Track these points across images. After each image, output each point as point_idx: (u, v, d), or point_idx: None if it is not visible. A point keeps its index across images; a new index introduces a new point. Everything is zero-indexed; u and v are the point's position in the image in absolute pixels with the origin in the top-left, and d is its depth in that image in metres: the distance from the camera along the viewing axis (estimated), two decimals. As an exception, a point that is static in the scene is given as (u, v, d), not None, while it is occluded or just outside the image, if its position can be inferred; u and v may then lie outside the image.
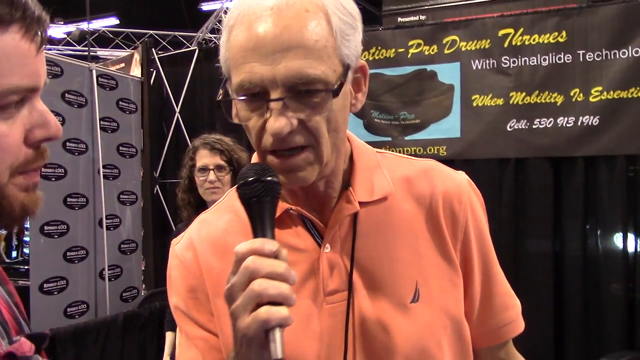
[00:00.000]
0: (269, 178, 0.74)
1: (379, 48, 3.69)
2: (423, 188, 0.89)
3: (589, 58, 3.26)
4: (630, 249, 3.16)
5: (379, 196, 0.87)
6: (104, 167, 3.93)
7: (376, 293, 0.84)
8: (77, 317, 3.70)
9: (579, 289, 3.24)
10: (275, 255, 0.69)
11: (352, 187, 0.86)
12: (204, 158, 2.45)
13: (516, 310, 0.97)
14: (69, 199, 3.70)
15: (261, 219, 0.72)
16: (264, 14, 0.75)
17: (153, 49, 4.65)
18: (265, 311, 0.66)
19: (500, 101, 3.41)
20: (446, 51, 3.55)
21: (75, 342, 3.26)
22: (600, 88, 3.23)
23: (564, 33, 3.33)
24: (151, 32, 5.52)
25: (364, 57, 3.69)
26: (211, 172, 2.42)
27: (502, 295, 0.96)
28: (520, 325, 0.96)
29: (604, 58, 3.24)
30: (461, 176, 0.94)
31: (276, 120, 0.75)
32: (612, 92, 3.20)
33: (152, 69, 4.51)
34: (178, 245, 0.92)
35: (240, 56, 0.76)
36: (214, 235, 0.89)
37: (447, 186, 0.90)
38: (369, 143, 0.97)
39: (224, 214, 0.91)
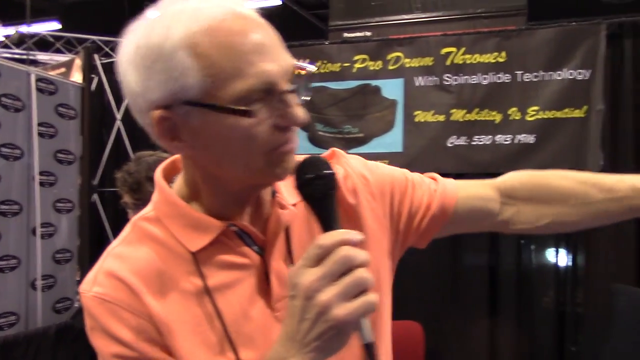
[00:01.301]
0: (327, 171, 0.75)
1: (325, 62, 3.72)
2: None
3: (526, 78, 3.38)
4: (562, 263, 3.28)
5: (299, 197, 0.87)
6: (40, 173, 3.81)
7: None
8: (5, 329, 3.56)
9: (513, 301, 3.33)
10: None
11: (279, 193, 0.86)
12: None
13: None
14: (1, 206, 3.57)
15: (330, 213, 0.73)
16: (243, 17, 0.74)
17: (95, 55, 4.56)
18: (373, 295, 0.68)
19: (441, 117, 3.49)
20: (390, 67, 3.62)
21: (4, 355, 3.14)
22: (536, 107, 3.35)
23: (503, 54, 3.44)
24: (94, 37, 5.41)
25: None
26: None
27: (426, 181, 0.98)
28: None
29: (541, 79, 3.37)
30: (336, 152, 0.96)
31: (298, 109, 0.75)
32: (547, 112, 3.33)
33: (93, 75, 4.42)
34: (98, 289, 0.80)
35: (245, 61, 0.71)
36: (141, 266, 0.80)
37: (340, 171, 0.92)
38: None
39: (141, 244, 0.83)
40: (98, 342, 0.80)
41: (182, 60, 0.71)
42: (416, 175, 0.98)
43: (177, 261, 0.81)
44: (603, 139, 3.24)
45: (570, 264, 3.32)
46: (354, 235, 0.70)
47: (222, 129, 0.73)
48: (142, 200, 2.09)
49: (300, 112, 0.75)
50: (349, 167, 0.92)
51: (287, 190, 0.87)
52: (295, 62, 0.76)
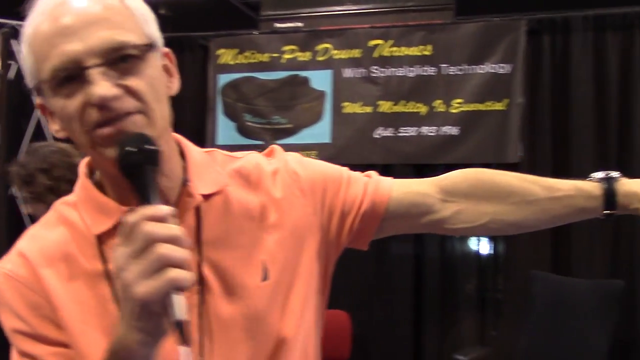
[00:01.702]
0: (149, 147, 0.73)
1: (253, 52, 3.70)
2: (252, 176, 0.91)
3: (451, 72, 3.46)
4: (484, 251, 3.39)
5: (216, 188, 0.88)
6: (-47, 163, 3.64)
7: (227, 281, 0.85)
8: None
9: (437, 289, 3.41)
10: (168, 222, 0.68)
11: (189, 182, 0.86)
12: None
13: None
14: None
15: (145, 188, 0.71)
16: (62, 3, 0.77)
17: (13, 40, 4.36)
18: (175, 271, 0.66)
19: (368, 109, 3.53)
20: (319, 58, 3.63)
21: None
22: (460, 100, 3.44)
23: (429, 47, 3.51)
24: (11, 22, 5.19)
25: (238, 60, 3.69)
26: None
27: (362, 180, 0.96)
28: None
29: (464, 72, 3.46)
30: (274, 149, 0.96)
31: (98, 85, 0.74)
32: (470, 104, 3.42)
33: (12, 62, 4.23)
34: (7, 266, 0.85)
35: (47, 44, 0.76)
36: (49, 247, 0.84)
37: (270, 166, 0.92)
38: (242, 147, 0.99)
39: (56, 227, 0.86)
40: (2, 317, 0.84)
41: (25, 49, 0.79)
42: (354, 174, 0.96)
43: (84, 244, 0.82)
44: (522, 131, 3.36)
45: (491, 252, 3.44)
46: (158, 210, 0.68)
47: (55, 110, 0.78)
48: (35, 193, 1.93)
49: (99, 89, 0.73)
50: (281, 162, 0.92)
51: (205, 179, 0.87)
52: (117, 37, 0.75)
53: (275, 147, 0.96)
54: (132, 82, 0.76)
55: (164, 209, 0.69)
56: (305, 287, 0.90)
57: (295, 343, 0.88)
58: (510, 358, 3.19)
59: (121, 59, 0.76)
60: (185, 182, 0.86)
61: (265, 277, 0.86)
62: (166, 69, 0.85)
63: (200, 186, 0.86)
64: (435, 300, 3.42)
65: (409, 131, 3.48)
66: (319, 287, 0.93)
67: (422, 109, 3.48)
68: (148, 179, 0.72)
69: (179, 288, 0.67)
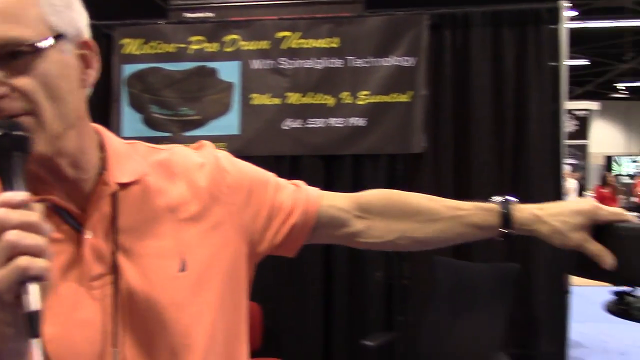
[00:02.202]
0: (18, 132, 0.71)
1: (159, 42, 3.63)
2: (176, 168, 0.91)
3: (357, 64, 3.53)
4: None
5: (135, 177, 0.87)
6: None
7: (143, 271, 0.84)
8: None
9: (346, 278, 3.48)
10: (27, 208, 0.66)
11: (107, 171, 0.85)
12: None
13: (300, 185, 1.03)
14: None
15: (9, 174, 0.69)
16: None
17: None
18: (24, 259, 0.63)
19: (277, 100, 3.55)
20: (227, 49, 3.61)
21: None
22: (367, 92, 3.51)
23: (337, 39, 3.56)
24: None
25: (144, 50, 3.60)
26: None
27: (290, 187, 1.00)
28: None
29: (371, 64, 3.53)
30: (203, 143, 0.98)
31: None
32: (376, 96, 3.50)
33: None
34: None
35: None
36: None
37: (198, 160, 0.93)
38: (149, 139, 0.98)
39: None
40: None
41: None
42: (282, 181, 1.00)
43: None
44: (426, 122, 3.47)
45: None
46: (14, 195, 0.67)
47: None
48: None
49: None
50: (210, 157, 0.93)
51: (124, 168, 0.87)
52: (7, 33, 0.73)
53: (205, 142, 0.97)
54: (20, 81, 0.74)
55: (20, 195, 0.67)
56: (223, 282, 0.90)
57: (213, 336, 0.88)
58: (416, 341, 3.30)
59: (11, 56, 0.73)
60: (101, 172, 0.85)
61: (182, 268, 0.86)
62: (84, 59, 0.83)
63: (118, 175, 0.86)
64: (344, 289, 3.49)
65: (317, 122, 3.52)
66: (239, 284, 0.94)
67: (330, 100, 3.53)
68: (13, 164, 0.70)
69: (33, 277, 0.65)
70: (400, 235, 1.00)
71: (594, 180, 13.64)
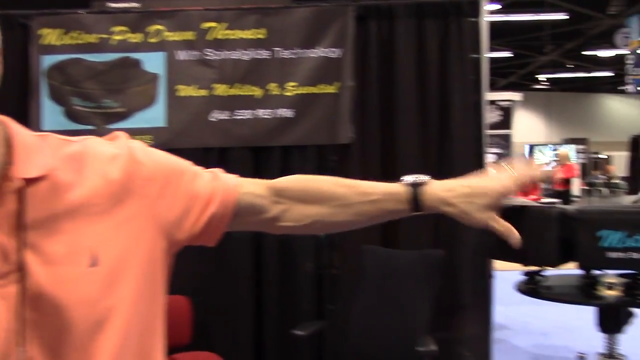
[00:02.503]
0: None
1: (80, 32, 3.52)
2: (88, 160, 0.89)
3: (284, 55, 3.53)
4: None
5: (43, 171, 0.84)
6: None
7: (51, 268, 0.82)
8: None
9: (276, 268, 3.49)
10: None
11: (12, 166, 0.82)
12: None
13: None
14: None
15: None
16: None
17: None
18: None
19: (204, 92, 3.51)
20: (151, 40, 3.54)
21: None
22: (295, 83, 3.52)
23: (263, 30, 3.54)
24: None
25: (64, 40, 3.48)
26: None
27: (207, 176, 1.00)
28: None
29: (298, 56, 3.54)
30: (117, 134, 0.96)
31: None
32: (304, 87, 3.51)
33: None
34: None
35: None
36: None
37: (111, 151, 0.91)
38: (71, 132, 0.95)
39: None
40: None
41: None
42: (198, 170, 1.00)
43: None
44: (353, 113, 3.51)
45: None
46: None
47: None
48: None
49: None
50: (124, 148, 0.91)
51: (32, 163, 0.84)
52: None
53: (119, 133, 0.95)
54: None
55: None
56: (138, 276, 0.89)
57: (127, 332, 0.87)
58: (346, 328, 3.35)
59: None
60: (4, 166, 0.82)
61: (93, 264, 0.84)
62: None
63: (24, 170, 0.83)
64: (275, 280, 3.50)
65: (245, 114, 3.51)
66: (156, 277, 0.93)
67: (257, 92, 3.52)
68: None
69: None
70: (316, 220, 1.04)
71: (517, 168, 14.11)
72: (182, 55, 3.52)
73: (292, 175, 1.08)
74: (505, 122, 14.84)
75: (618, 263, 0.94)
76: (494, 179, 1.02)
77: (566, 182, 13.50)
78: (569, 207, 0.96)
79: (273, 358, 3.49)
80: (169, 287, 3.31)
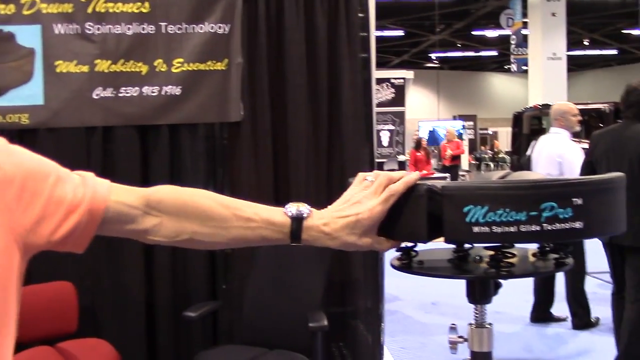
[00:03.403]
0: None
1: (-57, 2, 3.25)
2: None
3: (170, 30, 3.41)
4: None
5: None
6: None
7: None
8: None
9: (167, 249, 3.40)
10: None
11: None
12: None
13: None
14: None
15: None
16: None
17: None
18: None
19: (85, 68, 3.34)
20: (25, 12, 3.31)
21: None
22: (181, 60, 3.42)
23: (147, 4, 3.40)
24: None
25: None
26: None
27: (76, 180, 0.94)
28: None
29: (184, 31, 3.43)
30: None
31: None
32: (191, 64, 3.42)
33: None
34: None
35: None
36: None
37: None
38: None
39: None
40: None
41: None
42: (65, 173, 0.93)
43: None
44: (243, 90, 3.47)
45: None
46: None
47: None
48: None
49: None
50: None
51: None
52: None
53: None
54: None
55: None
56: None
57: None
58: (239, 308, 3.34)
59: None
60: None
61: None
62: None
63: None
64: (166, 261, 3.42)
65: (130, 91, 3.37)
66: (8, 282, 0.86)
67: (143, 68, 3.39)
68: None
69: None
70: (190, 238, 1.00)
71: (409, 145, 14.60)
72: (59, 28, 3.32)
73: (170, 187, 1.03)
74: (398, 99, 15.25)
75: (483, 237, 0.98)
76: (366, 202, 1.02)
77: (455, 157, 14.08)
78: (436, 184, 0.99)
79: (165, 341, 3.42)
80: (54, 273, 3.19)
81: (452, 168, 14.06)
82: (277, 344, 3.10)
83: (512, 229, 0.97)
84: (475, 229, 0.97)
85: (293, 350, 3.02)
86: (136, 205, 0.98)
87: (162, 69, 3.40)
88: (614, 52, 26.18)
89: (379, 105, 16.28)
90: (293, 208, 1.02)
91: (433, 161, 15.44)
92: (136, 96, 3.37)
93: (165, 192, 1.02)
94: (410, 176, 1.03)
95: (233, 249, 3.52)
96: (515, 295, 5.27)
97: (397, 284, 5.75)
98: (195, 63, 3.42)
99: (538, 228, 0.97)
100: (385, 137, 15.65)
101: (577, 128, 4.95)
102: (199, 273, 3.48)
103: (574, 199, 0.99)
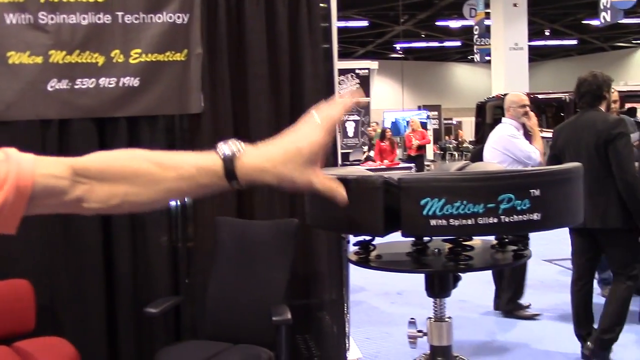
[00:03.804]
0: None
1: None
2: None
3: (127, 20, 3.33)
4: (172, 203, 3.39)
5: None
6: None
7: None
8: None
9: (128, 245, 3.34)
10: None
11: None
12: None
13: None
14: None
15: None
16: None
17: None
18: None
19: (39, 59, 3.23)
20: (-25, 1, 3.19)
21: None
22: (139, 50, 3.33)
23: (103, -7, 3.31)
24: None
25: None
26: None
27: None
28: None
29: (142, 21, 3.35)
30: None
31: None
32: (150, 55, 3.34)
33: None
34: None
35: None
36: None
37: None
38: None
39: None
40: None
41: None
42: None
43: None
44: (203, 81, 3.40)
45: (179, 203, 3.46)
46: None
47: None
48: None
49: None
50: None
51: None
52: None
53: None
54: None
55: None
56: None
57: None
58: (203, 302, 3.29)
59: None
60: None
61: None
62: None
63: None
64: (126, 257, 3.35)
65: (86, 83, 3.28)
66: None
67: (99, 59, 3.30)
68: None
69: None
70: (124, 200, 0.95)
71: (377, 135, 14.65)
72: (11, 18, 3.21)
73: (96, 153, 0.98)
74: (363, 90, 15.29)
75: (440, 230, 0.96)
76: (303, 133, 0.96)
77: (420, 147, 14.17)
78: (393, 176, 0.96)
79: (127, 338, 3.35)
80: (9, 271, 3.06)
81: (418, 158, 14.15)
82: (241, 338, 3.06)
83: (469, 222, 0.95)
84: (433, 222, 0.95)
85: (257, 345, 2.99)
86: (64, 175, 0.93)
87: (120, 60, 3.31)
88: (574, 42, 26.62)
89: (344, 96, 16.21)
90: (225, 147, 0.95)
91: (398, 151, 15.52)
92: (93, 88, 3.28)
93: (91, 158, 0.97)
94: (345, 101, 0.99)
95: (195, 243, 3.47)
96: (479, 283, 5.33)
97: (363, 275, 5.75)
98: (153, 54, 3.34)
99: (496, 220, 0.96)
100: (350, 128, 15.67)
101: (523, 120, 4.88)
102: (160, 268, 3.41)
103: (532, 190, 0.98)
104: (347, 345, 3.85)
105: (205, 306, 3.25)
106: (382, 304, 5.61)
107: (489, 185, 0.98)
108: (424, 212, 0.96)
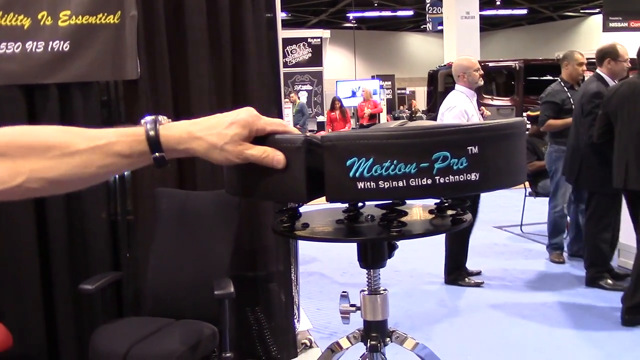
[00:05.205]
0: None
1: None
2: None
3: (54, -20, 3.11)
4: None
5: None
6: None
7: None
8: None
9: (64, 221, 3.17)
10: None
11: None
12: None
13: None
14: None
15: None
16: None
17: None
18: None
19: (-42, 22, 3.00)
20: None
21: None
22: (68, 12, 3.12)
23: (27, -50, 3.08)
24: None
25: None
26: None
27: None
28: None
29: (71, -19, 3.13)
30: None
31: None
32: (80, 17, 3.13)
33: None
34: None
35: None
36: None
37: None
38: None
39: None
40: None
41: None
42: None
43: None
44: (139, 46, 3.22)
45: (117, 175, 3.30)
46: None
47: None
48: None
49: None
50: None
51: None
52: None
53: None
54: None
55: None
56: None
57: None
58: (144, 276, 3.16)
59: None
60: None
61: None
62: None
63: None
64: (63, 233, 3.17)
65: (11, 47, 3.05)
66: None
67: (25, 22, 3.07)
68: None
69: None
70: (30, 177, 0.82)
71: (328, 105, 14.54)
72: None
73: (2, 128, 0.85)
74: (316, 59, 15.10)
75: (368, 193, 0.86)
76: (241, 111, 0.91)
77: (372, 116, 14.12)
78: (316, 135, 0.86)
79: (65, 318, 3.20)
80: None
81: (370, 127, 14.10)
82: (183, 313, 2.95)
83: (400, 184, 0.86)
84: (360, 185, 0.85)
85: (201, 319, 2.88)
86: None
87: (47, 23, 3.10)
88: (524, 11, 26.84)
89: (296, 65, 16.07)
90: (150, 117, 0.88)
91: (352, 121, 15.44)
92: (18, 52, 3.06)
93: None
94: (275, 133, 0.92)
95: (135, 216, 3.33)
96: (428, 251, 5.32)
97: (315, 245, 5.69)
98: (84, 16, 3.14)
99: (430, 182, 0.86)
100: (303, 98, 15.50)
101: (480, 82, 4.80)
102: (100, 243, 3.26)
103: (469, 147, 0.89)
104: (297, 316, 3.78)
105: (146, 280, 3.12)
106: (334, 274, 5.57)
107: (422, 142, 0.88)
108: (350, 174, 0.86)
